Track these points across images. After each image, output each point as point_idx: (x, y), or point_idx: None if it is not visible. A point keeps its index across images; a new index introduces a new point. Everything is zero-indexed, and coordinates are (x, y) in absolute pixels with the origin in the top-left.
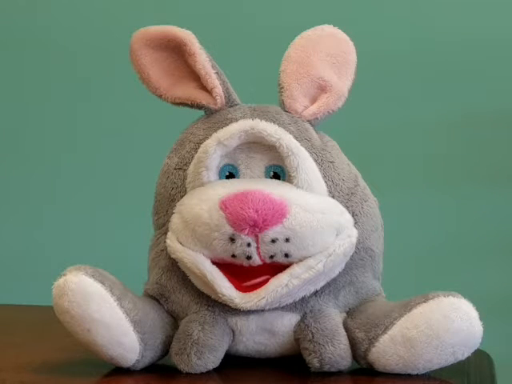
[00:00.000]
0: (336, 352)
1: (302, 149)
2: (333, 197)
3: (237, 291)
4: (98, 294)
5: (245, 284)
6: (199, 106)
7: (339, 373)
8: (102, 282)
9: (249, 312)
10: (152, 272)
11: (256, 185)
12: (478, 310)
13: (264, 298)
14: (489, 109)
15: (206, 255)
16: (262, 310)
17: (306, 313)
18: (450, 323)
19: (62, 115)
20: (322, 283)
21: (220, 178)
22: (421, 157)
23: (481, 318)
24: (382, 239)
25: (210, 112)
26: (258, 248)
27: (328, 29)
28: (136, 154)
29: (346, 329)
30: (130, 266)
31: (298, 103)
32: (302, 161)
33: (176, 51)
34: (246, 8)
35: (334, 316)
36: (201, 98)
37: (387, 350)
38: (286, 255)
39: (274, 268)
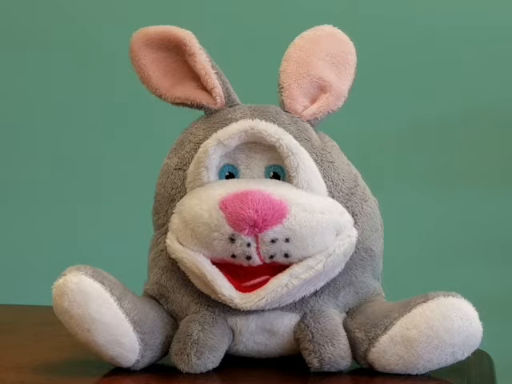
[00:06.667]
0: (336, 352)
1: (302, 149)
2: (333, 197)
3: (237, 291)
4: (97, 294)
5: (245, 284)
6: (199, 106)
7: (339, 373)
8: (102, 282)
9: (249, 312)
10: (152, 272)
11: (256, 185)
12: (477, 310)
13: (264, 298)
14: (483, 108)
15: (205, 255)
16: (262, 310)
17: (305, 313)
18: (449, 323)
19: (61, 115)
20: (322, 283)
21: (220, 177)
22: (421, 157)
23: (481, 318)
24: (381, 239)
25: (209, 112)
26: (257, 248)
27: (328, 29)
28: (136, 154)
29: (346, 329)
30: (130, 266)
31: (297, 103)
32: (302, 161)
33: (176, 51)
34: (245, 8)
35: (333, 316)
36: (201, 98)
37: (387, 350)
38: (286, 255)
39: (274, 268)
